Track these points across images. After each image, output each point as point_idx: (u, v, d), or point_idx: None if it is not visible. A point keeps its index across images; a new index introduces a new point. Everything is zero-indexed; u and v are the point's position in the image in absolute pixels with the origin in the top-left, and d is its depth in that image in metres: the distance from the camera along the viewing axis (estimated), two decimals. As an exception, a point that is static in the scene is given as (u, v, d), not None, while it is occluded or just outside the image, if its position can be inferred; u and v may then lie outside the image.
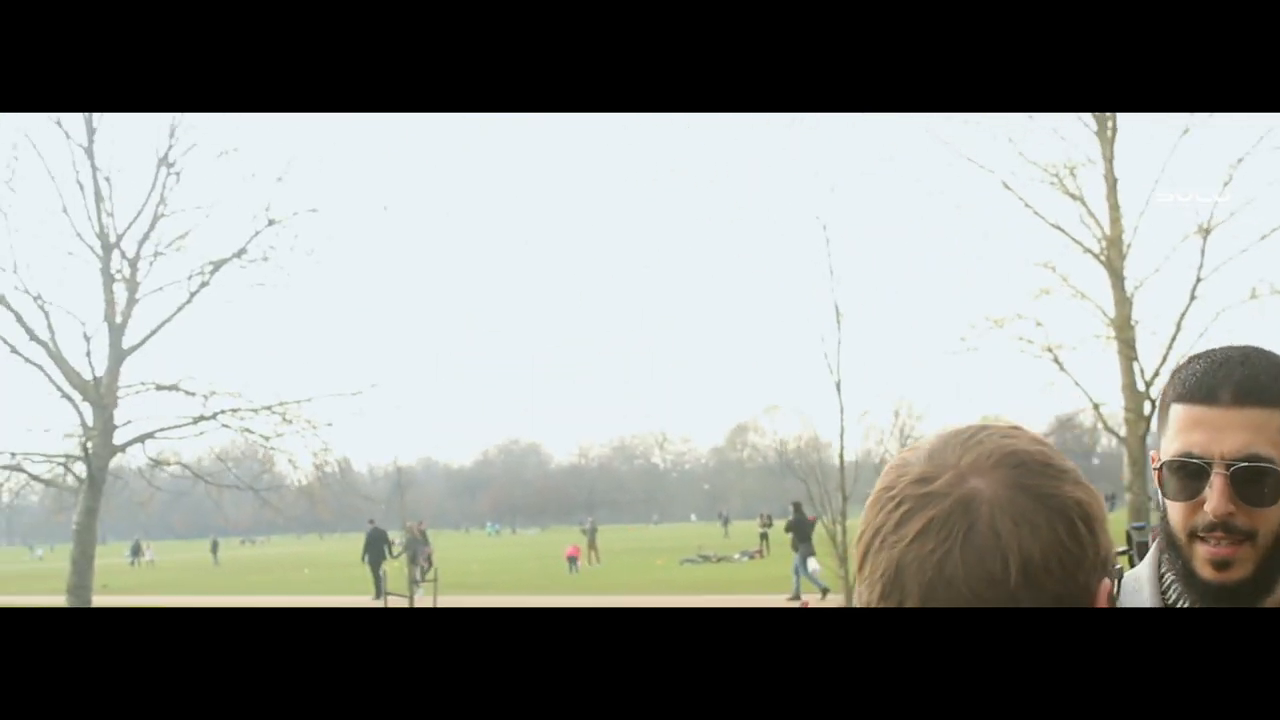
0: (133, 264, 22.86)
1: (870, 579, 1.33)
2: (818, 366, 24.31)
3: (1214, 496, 2.03)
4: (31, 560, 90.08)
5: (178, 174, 23.01)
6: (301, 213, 23.30)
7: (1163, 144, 29.51)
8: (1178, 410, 2.09)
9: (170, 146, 22.89)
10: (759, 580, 30.91)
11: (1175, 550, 2.11)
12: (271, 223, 23.12)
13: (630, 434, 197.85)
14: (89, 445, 21.89)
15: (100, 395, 21.94)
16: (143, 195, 22.95)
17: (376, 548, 34.24)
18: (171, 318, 23.11)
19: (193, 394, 22.99)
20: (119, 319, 22.79)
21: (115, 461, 24.16)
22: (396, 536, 35.11)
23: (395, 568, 31.73)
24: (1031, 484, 1.30)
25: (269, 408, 23.51)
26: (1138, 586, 2.21)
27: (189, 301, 23.14)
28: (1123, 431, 31.10)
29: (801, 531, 27.50)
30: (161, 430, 23.06)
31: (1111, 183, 26.76)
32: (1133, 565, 6.47)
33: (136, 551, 79.53)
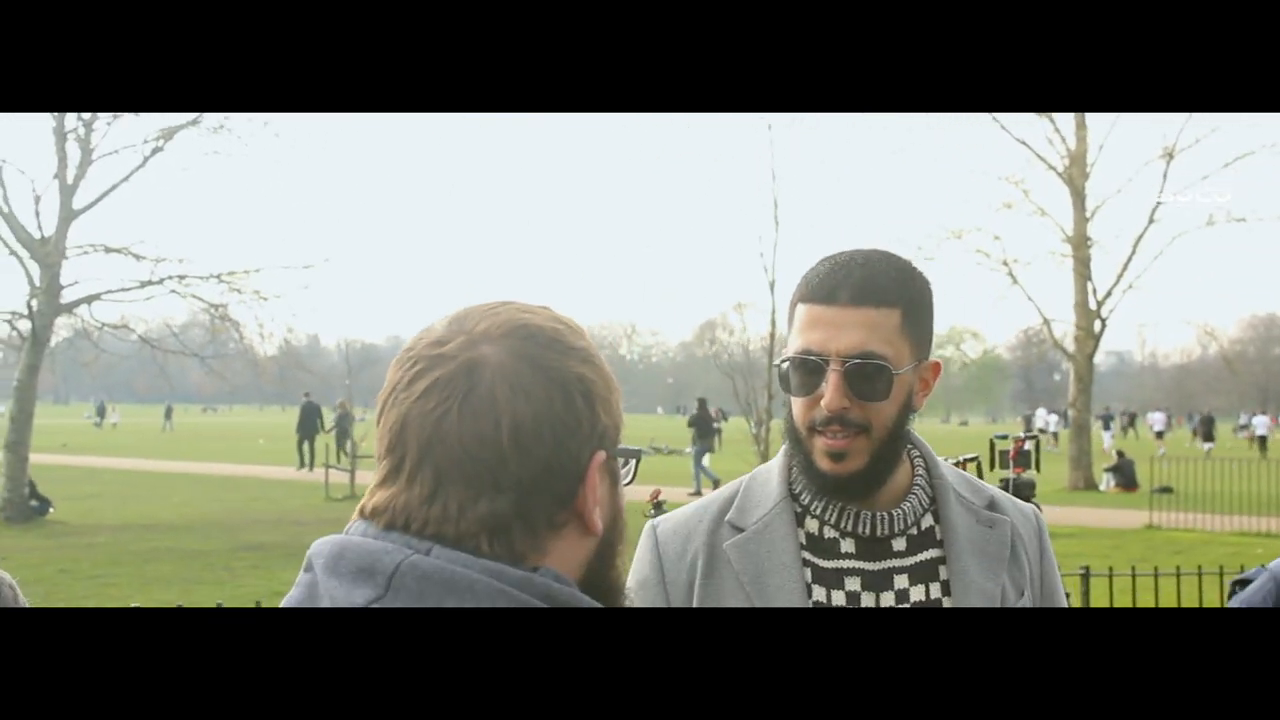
0: (88, 125, 22.62)
1: (380, 432, 1.39)
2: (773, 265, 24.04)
3: (829, 391, 2.11)
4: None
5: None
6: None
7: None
8: (801, 309, 2.17)
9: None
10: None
11: (798, 444, 2.21)
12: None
13: (600, 323, 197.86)
14: (33, 303, 21.82)
15: (47, 254, 21.81)
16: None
17: (309, 421, 35.17)
18: (124, 180, 22.89)
19: (141, 258, 22.83)
20: (70, 179, 22.58)
21: (77, 324, 24.13)
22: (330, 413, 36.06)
23: (325, 441, 32.67)
24: (536, 355, 1.36)
25: (217, 276, 23.39)
26: (768, 476, 2.31)
27: (142, 166, 22.92)
28: (1072, 348, 31.40)
29: (702, 427, 28.26)
30: (109, 292, 22.92)
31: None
32: (980, 471, 6.58)
33: (101, 413, 79.33)
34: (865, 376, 2.12)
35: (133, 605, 5.96)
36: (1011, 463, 7.55)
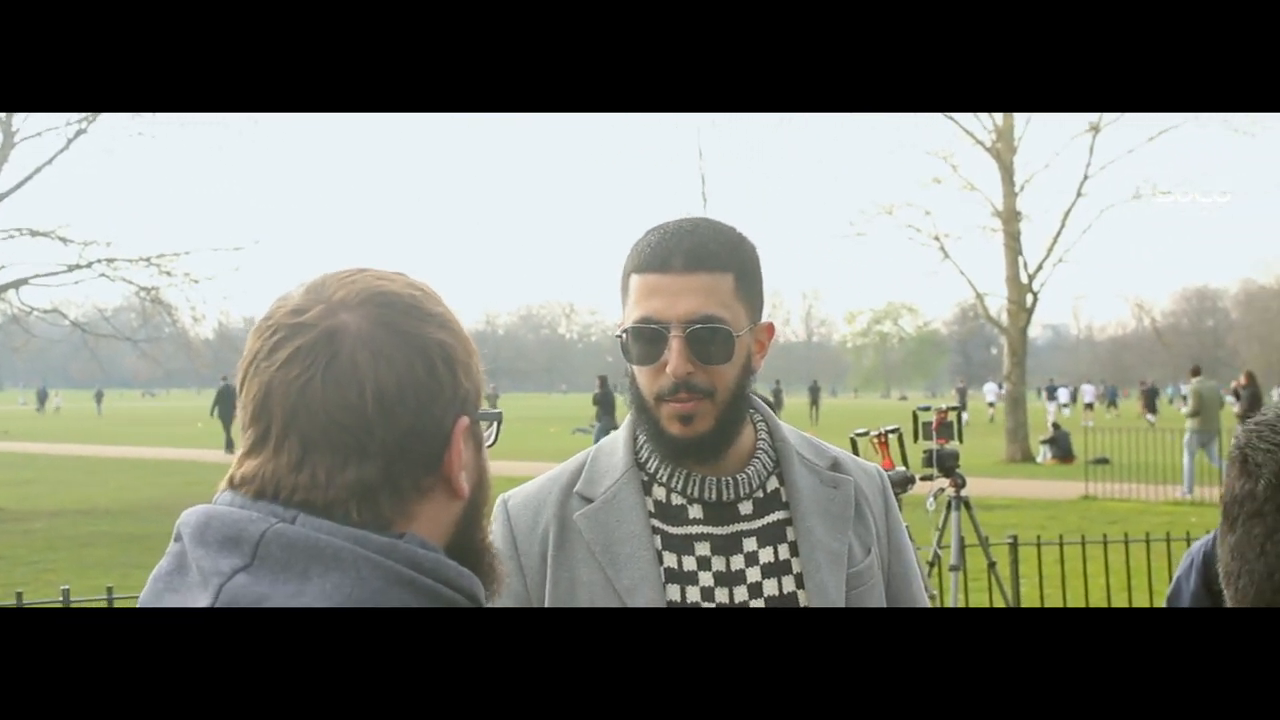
0: (9, 107, 22.29)
1: (243, 402, 1.40)
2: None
3: (673, 357, 2.14)
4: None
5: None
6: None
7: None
8: (636, 280, 2.19)
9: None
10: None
11: (645, 413, 2.24)
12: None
13: (538, 304, 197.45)
14: (-40, 288, 21.60)
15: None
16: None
17: (226, 403, 35.45)
18: (48, 163, 22.60)
19: (69, 242, 22.58)
20: (-7, 163, 22.27)
21: (7, 309, 23.81)
22: None
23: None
24: (395, 322, 1.38)
25: (147, 259, 23.16)
26: (614, 447, 2.34)
27: (66, 148, 22.65)
28: (1005, 322, 31.68)
29: (605, 404, 28.94)
30: (36, 276, 22.65)
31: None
32: (902, 443, 6.63)
33: (43, 399, 78.49)
34: (707, 340, 2.15)
35: (64, 589, 5.93)
36: (935, 434, 7.72)
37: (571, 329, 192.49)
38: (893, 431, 6.04)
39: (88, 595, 7.06)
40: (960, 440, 7.40)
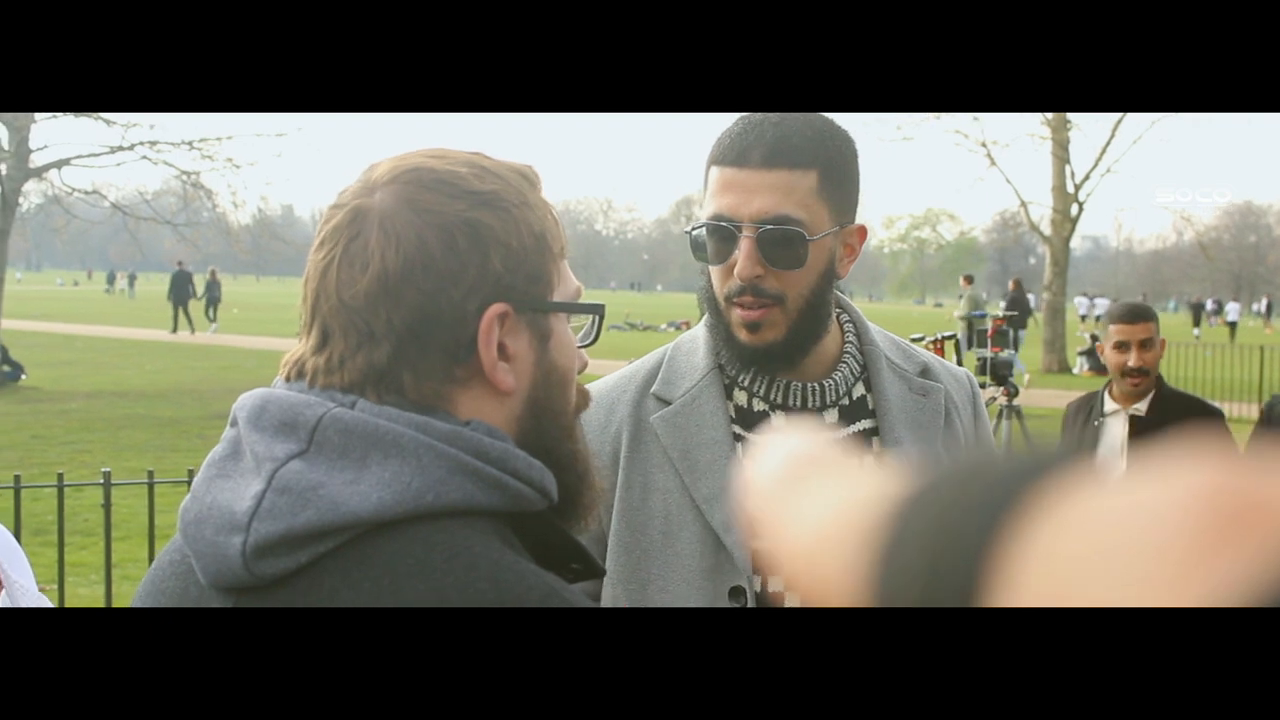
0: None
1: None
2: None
3: (741, 259, 2.03)
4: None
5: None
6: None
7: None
8: (714, 172, 2.08)
9: None
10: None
11: (717, 315, 2.13)
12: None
13: (575, 198, 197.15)
14: (1, 167, 21.53)
15: (14, 116, 21.46)
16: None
17: (181, 288, 37.89)
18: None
19: (112, 123, 22.51)
20: (38, 38, 22.16)
21: (48, 189, 23.87)
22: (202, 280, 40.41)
23: (197, 306, 37.20)
24: (419, 198, 1.30)
25: (189, 143, 23.09)
26: (693, 346, 2.23)
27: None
28: (1048, 232, 31.45)
29: None
30: (78, 157, 22.61)
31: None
32: (959, 348, 6.60)
33: (111, 279, 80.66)
34: (778, 242, 2.03)
35: (105, 471, 5.91)
36: (990, 341, 7.61)
37: (609, 225, 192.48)
38: (949, 338, 5.96)
39: (126, 478, 7.09)
40: (1015, 349, 7.30)
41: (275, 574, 1.23)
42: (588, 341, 1.47)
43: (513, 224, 1.33)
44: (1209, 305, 77.22)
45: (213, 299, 39.09)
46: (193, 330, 37.47)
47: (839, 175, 2.08)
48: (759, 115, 2.07)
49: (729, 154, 2.04)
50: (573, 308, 1.41)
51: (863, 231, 2.17)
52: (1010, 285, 33.72)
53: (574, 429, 1.44)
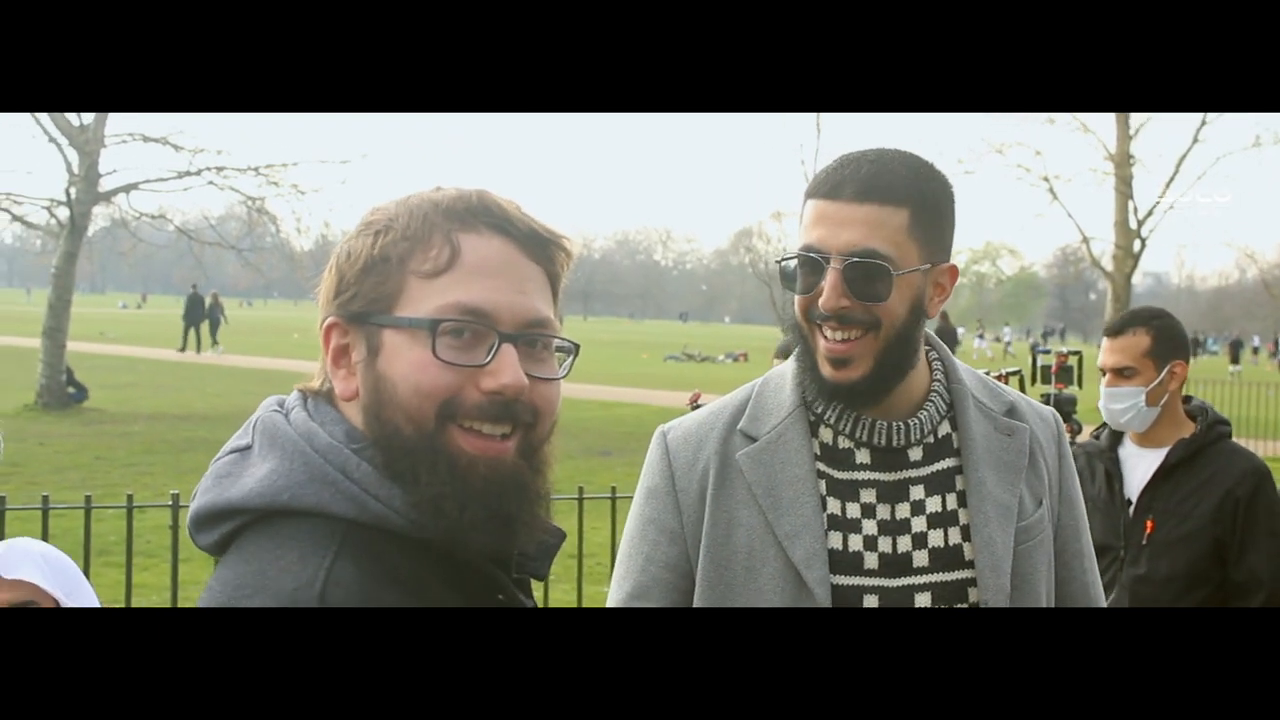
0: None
1: None
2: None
3: (827, 289, 2.06)
4: (24, 303, 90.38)
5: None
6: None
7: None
8: (809, 205, 2.11)
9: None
10: (734, 381, 30.98)
11: (803, 341, 2.15)
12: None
13: (634, 228, 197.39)
14: (71, 190, 21.83)
15: (85, 142, 21.78)
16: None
17: (194, 310, 40.16)
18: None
19: (180, 149, 22.80)
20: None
21: (114, 213, 24.14)
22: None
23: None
24: None
25: (255, 169, 23.34)
26: (780, 383, 2.25)
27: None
28: (1110, 267, 31.18)
29: None
30: (146, 182, 22.92)
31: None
32: (1023, 385, 6.55)
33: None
34: (864, 276, 2.05)
35: (174, 494, 5.95)
36: (1054, 378, 7.53)
37: (667, 256, 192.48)
38: (1014, 373, 5.91)
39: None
40: (1080, 386, 7.23)
41: (206, 545, 1.43)
42: (562, 375, 1.51)
43: (363, 249, 1.45)
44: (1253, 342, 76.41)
45: (214, 321, 41.85)
46: (199, 350, 39.42)
47: (932, 215, 2.10)
48: (857, 152, 2.10)
49: (824, 187, 2.08)
50: (401, 322, 1.43)
51: (954, 272, 2.18)
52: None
53: (415, 447, 1.41)
